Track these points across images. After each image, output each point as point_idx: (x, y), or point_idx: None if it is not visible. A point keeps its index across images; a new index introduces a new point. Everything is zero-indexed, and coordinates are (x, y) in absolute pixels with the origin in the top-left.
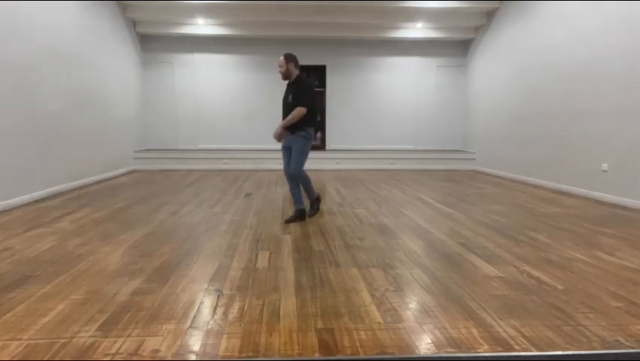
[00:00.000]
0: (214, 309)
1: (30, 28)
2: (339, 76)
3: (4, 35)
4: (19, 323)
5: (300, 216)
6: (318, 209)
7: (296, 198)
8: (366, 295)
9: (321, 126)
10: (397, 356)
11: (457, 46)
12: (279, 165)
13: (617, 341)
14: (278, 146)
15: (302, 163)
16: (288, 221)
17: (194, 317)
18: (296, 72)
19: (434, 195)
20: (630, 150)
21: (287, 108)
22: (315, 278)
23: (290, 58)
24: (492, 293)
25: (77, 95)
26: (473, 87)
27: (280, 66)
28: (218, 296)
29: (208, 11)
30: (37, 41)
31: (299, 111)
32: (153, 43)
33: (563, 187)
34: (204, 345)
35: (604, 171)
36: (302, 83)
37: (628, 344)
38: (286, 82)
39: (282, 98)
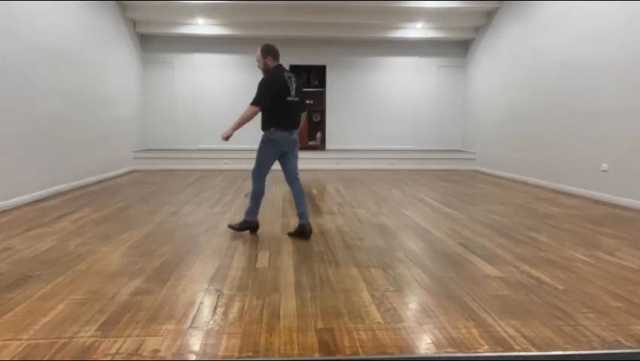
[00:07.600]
0: (214, 309)
1: (30, 28)
2: (339, 76)
3: (4, 36)
4: (19, 323)
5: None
6: (239, 230)
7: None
8: (366, 295)
9: (319, 127)
10: (397, 356)
11: (457, 46)
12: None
13: (617, 341)
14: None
15: (257, 169)
16: (291, 234)
17: (194, 317)
18: (274, 64)
19: (434, 195)
20: (630, 150)
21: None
22: (315, 278)
23: (265, 51)
24: (492, 293)
25: (77, 95)
26: (473, 87)
27: (257, 60)
28: (218, 296)
29: (208, 11)
30: (37, 41)
31: (246, 111)
32: (153, 44)
33: (563, 187)
34: (204, 345)
35: (605, 171)
36: (263, 77)
37: (628, 344)
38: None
39: None
